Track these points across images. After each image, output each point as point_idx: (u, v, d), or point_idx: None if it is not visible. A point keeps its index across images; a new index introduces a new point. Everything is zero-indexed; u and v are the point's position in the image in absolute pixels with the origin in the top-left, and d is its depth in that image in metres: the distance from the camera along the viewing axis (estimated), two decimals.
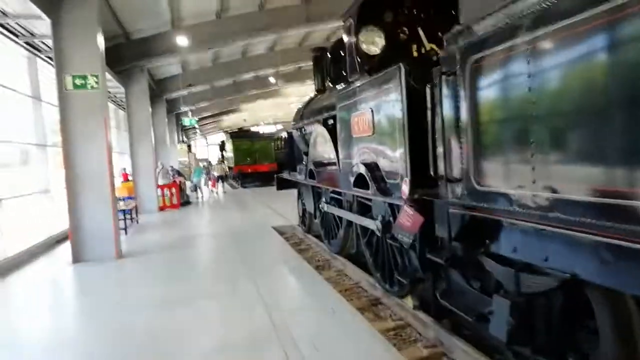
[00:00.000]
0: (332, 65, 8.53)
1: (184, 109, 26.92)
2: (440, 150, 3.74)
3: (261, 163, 28.49)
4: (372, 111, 4.99)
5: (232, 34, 16.63)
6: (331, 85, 8.48)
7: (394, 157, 4.56)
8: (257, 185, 26.98)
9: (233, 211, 15.77)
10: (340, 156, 6.23)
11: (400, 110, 4.31)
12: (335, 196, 7.15)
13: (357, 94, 5.42)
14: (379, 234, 5.13)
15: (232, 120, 44.26)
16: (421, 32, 5.68)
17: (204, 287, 6.57)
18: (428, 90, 3.82)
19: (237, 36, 16.75)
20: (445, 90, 3.39)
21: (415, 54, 5.80)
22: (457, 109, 3.28)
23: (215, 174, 25.33)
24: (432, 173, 3.87)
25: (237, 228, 11.39)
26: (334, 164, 6.94)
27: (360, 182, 5.56)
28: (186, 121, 28.06)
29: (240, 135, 30.10)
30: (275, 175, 11.36)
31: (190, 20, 16.21)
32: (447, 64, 3.38)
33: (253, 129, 35.12)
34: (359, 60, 5.41)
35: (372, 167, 5.09)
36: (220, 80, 25.22)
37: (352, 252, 6.72)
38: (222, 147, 37.63)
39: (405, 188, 4.25)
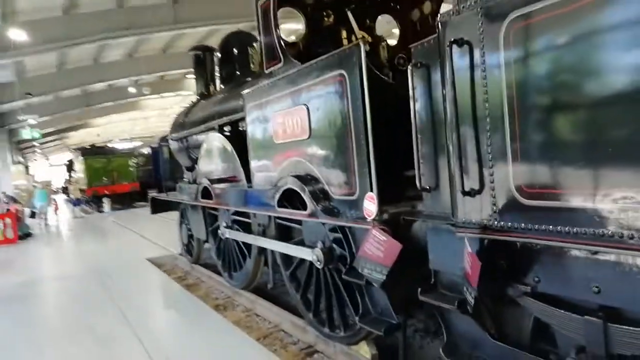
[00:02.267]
0: (222, 65, 7.21)
1: (21, 120, 22.71)
2: (437, 151, 2.77)
3: (120, 183, 25.29)
4: (307, 109, 3.86)
5: (84, 33, 14.19)
6: (222, 87, 7.15)
7: (345, 166, 3.49)
8: (117, 209, 23.80)
9: (92, 242, 13.20)
10: (253, 169, 4.97)
11: (359, 104, 3.25)
12: (240, 219, 5.82)
13: (280, 89, 4.25)
14: (318, 266, 3.99)
15: (81, 137, 39.36)
16: (351, 17, 4.74)
17: None
18: (416, 73, 2.83)
19: (90, 36, 14.33)
20: (459, 66, 2.42)
21: (345, 42, 4.85)
22: (481, 90, 2.33)
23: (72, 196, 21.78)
24: (418, 183, 2.87)
25: (101, 264, 9.25)
26: (237, 179, 5.63)
27: (286, 200, 4.37)
28: (26, 134, 23.68)
29: (93, 152, 26.42)
30: (150, 197, 9.51)
31: (28, 15, 13.43)
32: (459, 29, 2.42)
33: (109, 145, 31.43)
34: (281, 45, 4.25)
35: (307, 180, 3.94)
36: (66, 90, 21.83)
37: (269, 287, 5.45)
38: (69, 166, 32.96)
39: (371, 206, 3.18)
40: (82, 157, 25.94)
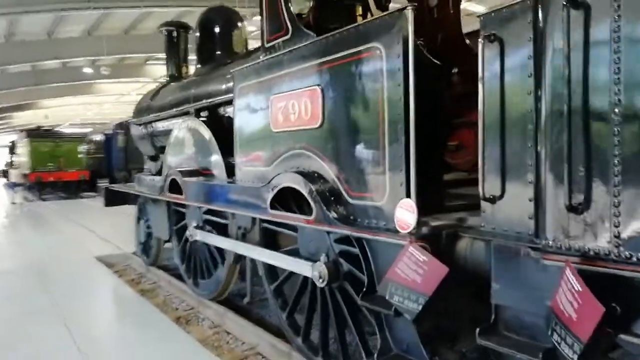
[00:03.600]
0: (201, 43, 6.36)
1: None
2: (511, 150, 2.13)
3: (68, 170, 23.50)
4: (321, 91, 3.14)
5: (39, 1, 12.84)
6: (200, 68, 6.30)
7: (372, 163, 2.79)
8: (63, 198, 22.07)
9: (33, 234, 11.85)
10: (239, 161, 4.19)
11: (399, 86, 2.57)
12: (214, 219, 5.01)
13: (284, 66, 3.50)
14: (319, 284, 3.26)
15: (27, 118, 36.70)
16: None
17: None
18: (488, 49, 2.17)
19: (45, 5, 12.99)
20: (575, 39, 1.77)
21: (359, 19, 4.16)
22: (611, 71, 1.69)
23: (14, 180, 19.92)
24: (481, 190, 2.21)
25: (42, 261, 8.11)
26: (213, 173, 4.84)
27: (279, 202, 3.63)
28: None
29: (40, 135, 24.47)
30: (104, 187, 8.45)
31: None
32: None
33: (58, 129, 29.41)
34: (289, 13, 3.51)
35: (314, 178, 3.22)
36: (14, 65, 20.04)
37: (245, 302, 4.65)
38: (12, 149, 30.57)
39: (408, 216, 2.50)
40: (26, 139, 23.96)
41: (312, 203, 3.18)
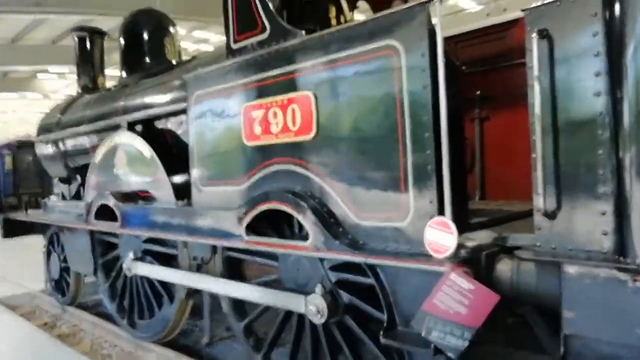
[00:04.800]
0: (127, 50, 5.61)
1: None
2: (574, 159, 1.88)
3: None
4: (313, 97, 2.72)
5: None
6: (126, 77, 5.54)
7: (387, 178, 2.42)
8: None
9: None
10: (198, 181, 3.59)
11: (425, 88, 2.25)
12: (157, 249, 4.31)
13: (259, 69, 3.03)
14: (316, 320, 2.80)
15: None
16: None
17: None
18: (541, 46, 1.91)
19: None
20: None
21: (333, 21, 3.82)
22: None
23: None
24: (541, 204, 1.93)
25: None
26: (151, 196, 4.19)
27: (258, 224, 3.13)
28: None
29: None
30: (2, 217, 7.16)
31: None
32: None
33: None
34: (266, 7, 3.05)
35: (306, 197, 2.77)
36: None
37: (204, 343, 3.99)
38: None
39: (445, 238, 2.16)
40: None
41: (308, 227, 2.72)
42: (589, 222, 1.85)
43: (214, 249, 3.65)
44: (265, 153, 3.03)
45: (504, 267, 2.21)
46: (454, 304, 2.11)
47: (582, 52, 1.85)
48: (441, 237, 2.18)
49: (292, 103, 2.83)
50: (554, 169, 1.94)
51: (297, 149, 2.83)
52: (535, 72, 1.93)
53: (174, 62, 5.44)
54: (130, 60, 5.57)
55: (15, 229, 6.88)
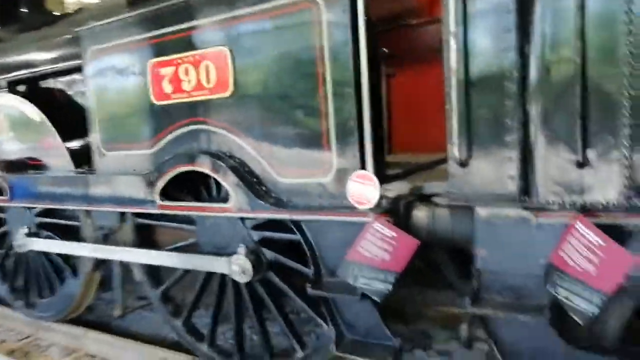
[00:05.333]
0: None
1: None
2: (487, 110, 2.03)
3: None
4: (229, 52, 2.62)
5: None
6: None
7: (310, 135, 2.44)
8: None
9: None
10: (100, 145, 3.31)
11: (346, 42, 2.26)
12: (54, 221, 3.96)
13: (168, 22, 2.83)
14: (241, 279, 2.79)
15: None
16: None
17: None
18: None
19: None
20: None
21: None
22: None
23: None
24: (456, 153, 2.07)
25: None
26: (43, 164, 3.83)
27: (175, 189, 3.00)
28: None
29: None
30: None
31: None
32: None
33: None
34: None
35: (227, 158, 2.70)
36: None
37: (116, 316, 3.78)
38: None
39: (368, 190, 2.25)
40: None
41: (229, 188, 2.67)
42: (497, 168, 2.03)
43: (122, 217, 3.44)
44: (177, 113, 2.88)
45: (421, 214, 2.37)
46: (378, 251, 2.22)
47: (495, 9, 1.97)
48: (364, 189, 2.26)
49: (206, 59, 2.70)
50: (466, 119, 2.08)
51: (213, 108, 2.72)
52: (452, 27, 2.02)
53: (56, 13, 4.88)
54: (3, 10, 4.89)
55: None
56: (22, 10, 4.87)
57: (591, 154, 1.80)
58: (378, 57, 2.39)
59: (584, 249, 1.76)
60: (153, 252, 3.19)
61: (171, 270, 3.30)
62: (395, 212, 2.31)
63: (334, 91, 2.33)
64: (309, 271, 2.58)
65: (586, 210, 1.81)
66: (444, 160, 3.19)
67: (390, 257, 2.21)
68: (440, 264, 3.00)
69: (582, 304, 1.77)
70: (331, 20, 2.29)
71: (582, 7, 1.74)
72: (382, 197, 2.28)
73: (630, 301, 1.95)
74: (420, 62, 3.81)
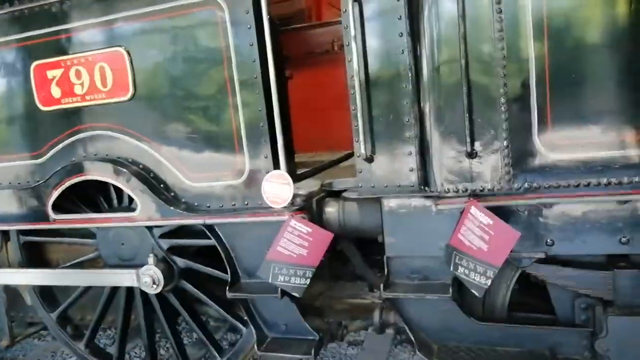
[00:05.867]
0: None
1: None
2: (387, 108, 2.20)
3: None
4: (126, 53, 2.50)
5: None
6: None
7: (219, 137, 2.43)
8: None
9: None
10: None
11: (251, 46, 2.29)
12: None
13: (53, 21, 2.62)
14: (152, 290, 2.67)
15: None
16: None
17: None
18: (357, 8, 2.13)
19: None
20: None
21: None
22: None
23: None
24: (362, 150, 2.21)
25: None
26: None
27: (67, 201, 2.80)
28: None
29: None
30: None
31: None
32: None
33: None
34: None
35: (129, 164, 2.59)
36: None
37: (4, 346, 3.37)
38: None
39: (282, 189, 2.31)
40: None
41: (135, 195, 2.55)
42: (399, 162, 2.21)
43: (3, 235, 3.11)
44: (70, 118, 2.68)
45: (332, 209, 2.49)
46: (296, 248, 2.29)
47: (387, 14, 2.14)
48: (278, 189, 2.32)
49: (100, 61, 2.55)
50: (369, 118, 2.23)
51: (112, 112, 2.58)
52: (352, 32, 2.16)
53: None
54: None
55: None
56: None
57: (478, 145, 2.05)
58: (282, 59, 2.45)
59: (477, 229, 2.00)
60: (49, 272, 2.93)
61: (67, 289, 3.06)
62: (308, 208, 2.40)
63: (242, 94, 2.35)
64: (225, 275, 2.57)
65: (477, 196, 2.06)
66: (346, 158, 3.40)
67: (307, 252, 2.30)
68: (348, 257, 3.15)
69: (478, 278, 2.01)
70: (235, 21, 2.30)
71: (463, 15, 1.97)
72: (295, 195, 2.36)
73: (512, 271, 2.25)
74: (314, 64, 3.95)
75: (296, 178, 2.57)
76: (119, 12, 2.48)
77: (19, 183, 2.87)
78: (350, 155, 3.20)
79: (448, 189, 2.11)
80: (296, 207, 2.34)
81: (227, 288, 2.46)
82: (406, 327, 2.34)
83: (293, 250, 2.30)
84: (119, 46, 2.51)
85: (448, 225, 2.12)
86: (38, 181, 2.79)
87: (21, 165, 2.86)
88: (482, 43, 2.01)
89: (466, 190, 2.08)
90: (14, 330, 3.46)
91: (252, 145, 2.38)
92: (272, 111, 2.32)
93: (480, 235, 1.99)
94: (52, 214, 2.76)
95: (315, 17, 5.07)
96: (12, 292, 3.29)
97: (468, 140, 2.01)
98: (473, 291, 2.04)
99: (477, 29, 1.98)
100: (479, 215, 1.99)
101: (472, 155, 2.06)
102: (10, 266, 3.14)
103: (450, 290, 2.12)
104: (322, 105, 3.88)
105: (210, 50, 2.38)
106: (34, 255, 3.18)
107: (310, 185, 2.63)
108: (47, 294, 3.17)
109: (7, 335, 3.38)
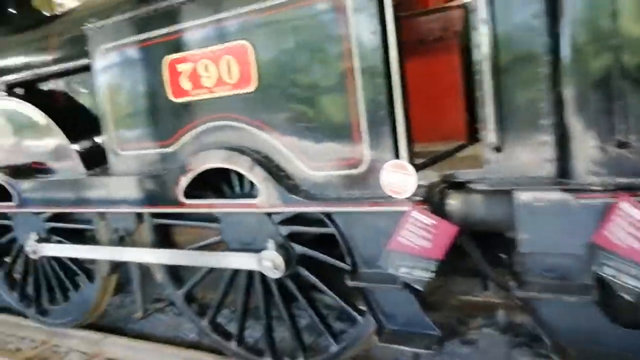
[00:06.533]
0: None
1: None
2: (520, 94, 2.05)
3: None
4: (251, 46, 2.59)
5: None
6: None
7: (340, 126, 2.43)
8: None
9: None
10: (114, 145, 3.26)
11: (372, 34, 2.26)
12: (65, 225, 3.90)
13: (185, 17, 2.78)
14: (273, 275, 2.79)
15: None
16: None
17: None
18: None
19: None
20: None
21: None
22: None
23: None
24: (494, 139, 2.09)
25: None
26: (47, 167, 3.76)
27: (199, 187, 2.98)
28: None
29: None
30: None
31: None
32: None
33: None
34: None
35: (253, 152, 2.69)
36: None
37: (137, 318, 3.75)
38: None
39: (404, 179, 2.26)
40: None
41: (258, 183, 2.65)
42: (533, 152, 2.05)
43: (139, 218, 3.41)
44: (198, 109, 2.84)
45: (455, 201, 2.38)
46: (418, 239, 2.24)
47: None
48: (400, 179, 2.27)
49: (227, 54, 2.66)
50: (499, 105, 2.10)
51: (236, 103, 2.69)
52: (483, 14, 2.03)
53: (46, 13, 4.76)
54: None
55: None
56: (10, 11, 4.73)
57: (632, 136, 1.84)
58: (403, 45, 2.38)
59: (628, 226, 1.80)
60: (178, 252, 3.16)
61: (192, 269, 3.29)
62: (430, 200, 2.32)
63: (364, 81, 2.32)
64: (341, 264, 2.59)
65: (628, 189, 1.85)
66: (460, 148, 3.26)
67: (430, 244, 2.23)
68: (467, 252, 3.04)
69: (632, 282, 1.81)
70: (358, 8, 2.27)
71: None
72: (417, 185, 2.30)
73: None
74: (424, 51, 3.82)
75: (415, 168, 2.51)
76: (243, 6, 2.56)
77: (152, 170, 3.11)
78: (464, 146, 3.07)
79: (592, 181, 1.92)
80: (418, 198, 2.28)
81: (348, 277, 2.48)
82: (538, 328, 2.19)
83: (415, 241, 2.25)
84: (245, 39, 2.60)
85: (591, 221, 1.94)
86: (169, 168, 3.01)
87: (155, 153, 3.09)
88: (636, 21, 1.79)
89: (614, 183, 1.87)
90: (146, 304, 3.79)
91: (372, 135, 2.36)
92: (393, 100, 2.27)
93: (633, 233, 1.79)
94: (182, 199, 2.96)
95: (422, 4, 4.90)
96: (144, 270, 3.60)
97: (619, 128, 1.80)
98: (626, 296, 1.84)
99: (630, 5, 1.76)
100: (631, 211, 1.79)
101: (622, 145, 1.85)
102: (143, 246, 3.42)
103: (592, 292, 1.94)
104: (433, 94, 3.74)
105: (331, 40, 2.37)
106: (164, 236, 3.44)
107: (428, 176, 2.54)
108: (174, 273, 3.43)
109: (141, 308, 3.71)
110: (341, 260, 2.62)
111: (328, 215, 2.56)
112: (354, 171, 2.44)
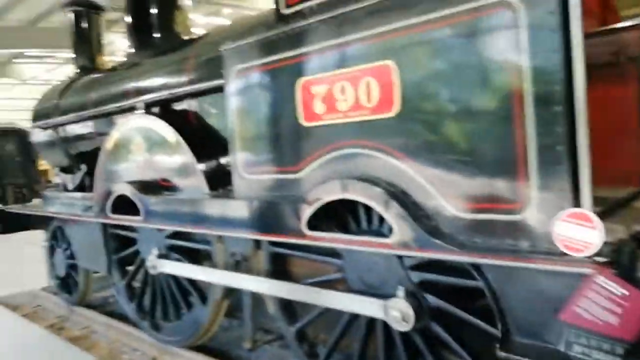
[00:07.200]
0: (133, 27, 5.09)
1: None
2: None
3: None
4: (396, 66, 2.31)
5: None
6: (133, 54, 5.04)
7: (499, 162, 2.03)
8: None
9: None
10: (241, 167, 3.15)
11: (553, 53, 1.85)
12: (184, 244, 3.89)
13: (324, 36, 2.59)
14: (401, 327, 2.42)
15: None
16: None
17: None
18: None
19: None
20: None
21: None
22: None
23: None
24: None
25: None
26: (172, 185, 3.77)
27: (321, 218, 2.73)
28: None
29: None
30: None
31: None
32: None
33: None
34: None
35: (389, 185, 2.37)
36: None
37: (247, 348, 3.59)
38: None
39: (585, 233, 1.79)
40: None
41: (392, 221, 2.33)
42: None
43: (257, 244, 3.25)
44: (330, 134, 2.61)
45: None
46: (602, 312, 1.75)
47: None
48: (579, 232, 1.81)
49: (367, 75, 2.41)
50: None
51: (374, 129, 2.41)
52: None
53: (185, 37, 4.95)
54: (138, 36, 5.06)
55: (14, 223, 6.38)
56: (154, 35, 4.99)
57: None
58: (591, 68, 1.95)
59: None
60: (297, 287, 2.92)
61: (307, 305, 3.03)
62: (619, 262, 1.82)
63: (536, 109, 1.91)
64: (488, 327, 2.15)
65: None
66: (638, 195, 2.66)
67: (619, 320, 1.73)
68: None
69: None
70: (534, 24, 1.89)
71: None
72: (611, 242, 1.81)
73: None
74: (590, 77, 3.27)
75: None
76: (388, 24, 2.29)
77: (276, 195, 2.93)
78: None
79: None
80: (603, 260, 1.79)
81: (498, 345, 2.03)
82: None
83: (598, 315, 1.75)
84: (389, 59, 2.33)
85: None
86: (294, 195, 2.81)
87: (281, 179, 2.91)
88: None
89: None
90: (255, 335, 3.61)
91: (542, 174, 1.92)
92: (576, 133, 1.83)
93: None
94: (304, 229, 2.73)
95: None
96: (256, 298, 3.42)
97: None
98: None
99: None
100: None
101: None
102: (258, 273, 3.25)
103: None
104: (602, 127, 3.17)
105: (494, 60, 2.01)
106: (280, 266, 3.25)
107: (612, 230, 2.03)
108: (288, 306, 3.20)
109: (250, 338, 3.53)
110: (486, 321, 2.19)
111: (477, 266, 2.14)
112: (514, 216, 2.01)
